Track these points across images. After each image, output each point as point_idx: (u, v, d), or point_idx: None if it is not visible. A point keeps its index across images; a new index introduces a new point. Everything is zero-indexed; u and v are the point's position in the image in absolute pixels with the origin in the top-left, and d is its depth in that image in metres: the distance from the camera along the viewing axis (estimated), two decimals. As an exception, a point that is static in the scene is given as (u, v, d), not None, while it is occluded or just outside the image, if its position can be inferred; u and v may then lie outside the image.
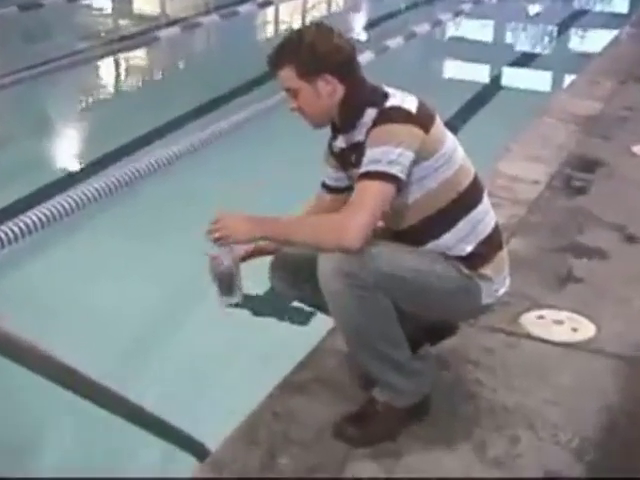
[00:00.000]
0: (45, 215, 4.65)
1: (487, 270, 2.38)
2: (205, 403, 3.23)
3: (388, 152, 2.20)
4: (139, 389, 3.08)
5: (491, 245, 2.41)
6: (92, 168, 5.72)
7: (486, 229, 2.41)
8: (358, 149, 2.31)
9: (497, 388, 2.74)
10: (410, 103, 2.28)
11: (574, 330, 3.11)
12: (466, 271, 2.36)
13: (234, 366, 3.50)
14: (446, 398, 2.63)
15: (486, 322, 2.97)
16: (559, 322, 3.16)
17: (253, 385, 2.90)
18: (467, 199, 2.37)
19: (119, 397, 2.35)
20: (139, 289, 4.09)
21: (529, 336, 3.07)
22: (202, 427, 2.79)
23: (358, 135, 2.34)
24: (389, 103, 2.28)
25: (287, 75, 2.33)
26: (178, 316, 3.97)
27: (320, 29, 2.37)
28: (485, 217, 2.42)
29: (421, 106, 2.29)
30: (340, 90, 2.33)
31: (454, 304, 2.39)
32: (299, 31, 2.40)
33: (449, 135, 2.37)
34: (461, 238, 2.36)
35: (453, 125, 2.99)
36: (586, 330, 3.11)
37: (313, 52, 2.29)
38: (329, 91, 2.32)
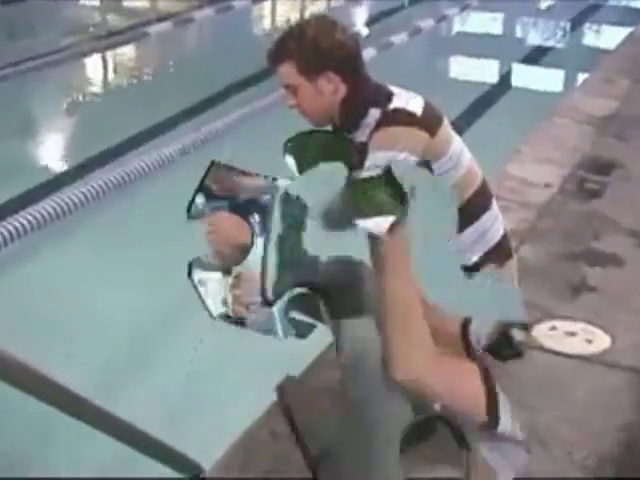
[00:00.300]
0: (29, 221, 4.65)
1: (495, 280, 2.39)
2: (199, 419, 3.23)
3: (392, 158, 2.19)
4: (128, 401, 3.08)
5: (499, 254, 2.41)
6: (79, 170, 5.72)
7: (494, 237, 2.40)
8: (361, 151, 2.31)
9: (507, 403, 2.73)
10: (415, 105, 2.29)
11: (588, 342, 3.11)
12: (472, 280, 2.36)
13: (231, 378, 3.50)
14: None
15: (495, 333, 2.96)
16: (572, 333, 3.16)
17: (250, 400, 2.90)
18: (474, 206, 2.37)
19: (109, 415, 2.34)
20: (133, 295, 4.09)
21: (541, 348, 3.06)
22: (197, 445, 2.78)
23: (360, 136, 2.34)
24: (393, 104, 2.28)
25: (287, 71, 2.33)
26: (172, 323, 3.96)
27: (323, 23, 2.36)
28: (494, 224, 2.41)
29: (427, 107, 2.30)
30: (342, 88, 2.32)
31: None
32: (301, 25, 2.39)
33: (456, 138, 2.37)
34: (467, 246, 2.35)
35: (459, 125, 2.99)
36: (601, 342, 3.11)
37: (315, 47, 2.29)
38: (331, 89, 2.31)
